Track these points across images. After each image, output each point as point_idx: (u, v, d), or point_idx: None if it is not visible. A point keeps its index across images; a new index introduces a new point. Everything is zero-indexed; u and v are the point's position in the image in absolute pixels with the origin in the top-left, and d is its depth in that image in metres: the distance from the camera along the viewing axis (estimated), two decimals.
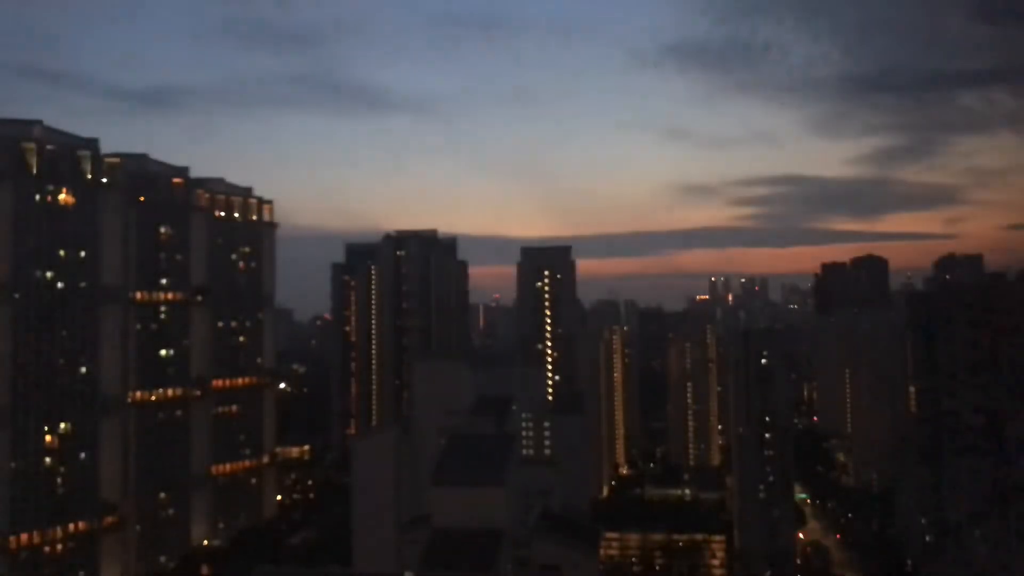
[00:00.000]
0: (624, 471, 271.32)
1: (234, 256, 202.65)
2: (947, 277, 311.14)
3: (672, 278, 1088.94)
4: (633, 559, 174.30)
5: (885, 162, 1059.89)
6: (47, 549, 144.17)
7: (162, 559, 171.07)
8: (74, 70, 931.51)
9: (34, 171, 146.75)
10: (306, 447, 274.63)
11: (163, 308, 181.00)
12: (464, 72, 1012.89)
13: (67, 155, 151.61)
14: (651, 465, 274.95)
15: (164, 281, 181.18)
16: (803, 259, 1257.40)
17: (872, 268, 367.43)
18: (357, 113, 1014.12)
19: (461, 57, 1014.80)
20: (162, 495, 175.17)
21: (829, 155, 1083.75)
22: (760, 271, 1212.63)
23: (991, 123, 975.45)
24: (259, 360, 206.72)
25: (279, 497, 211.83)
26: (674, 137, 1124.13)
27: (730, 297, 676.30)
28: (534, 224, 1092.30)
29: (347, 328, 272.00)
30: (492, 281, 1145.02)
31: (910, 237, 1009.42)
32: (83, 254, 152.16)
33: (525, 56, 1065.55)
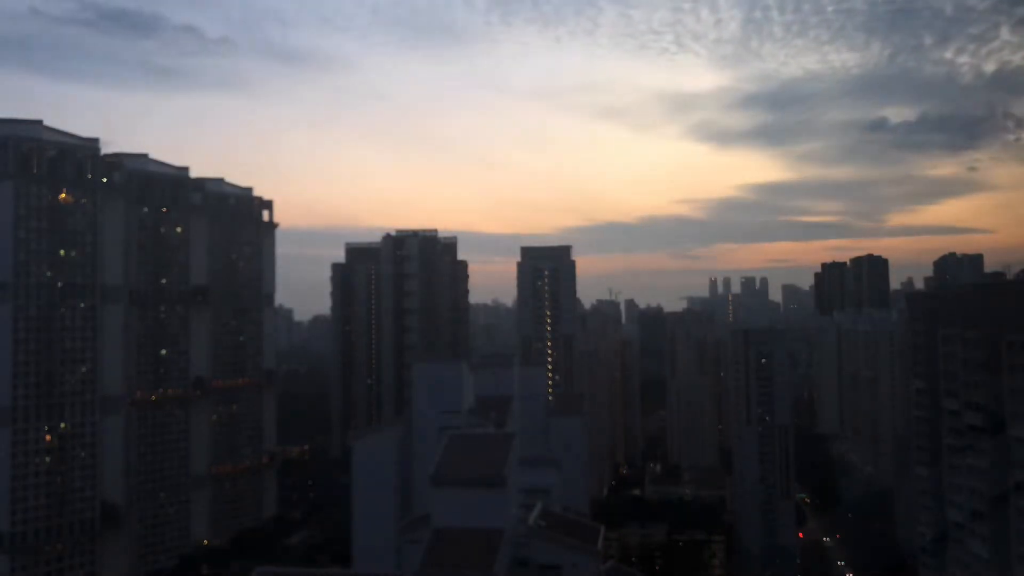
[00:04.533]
0: (624, 471, 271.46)
1: (234, 256, 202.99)
2: (947, 277, 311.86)
3: (673, 274, 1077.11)
4: (633, 559, 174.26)
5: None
6: (47, 548, 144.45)
7: (162, 559, 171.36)
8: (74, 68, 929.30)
9: (35, 171, 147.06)
10: (306, 447, 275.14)
11: (163, 308, 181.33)
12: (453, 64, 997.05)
13: (68, 155, 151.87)
14: (651, 465, 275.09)
15: (164, 281, 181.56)
16: (815, 253, 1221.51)
17: (872, 268, 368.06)
18: (356, 108, 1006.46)
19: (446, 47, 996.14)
20: (162, 495, 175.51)
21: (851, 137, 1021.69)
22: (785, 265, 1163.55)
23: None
24: (259, 360, 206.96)
25: (279, 497, 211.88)
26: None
27: (730, 296, 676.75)
28: (532, 220, 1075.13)
29: (347, 328, 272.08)
30: (483, 279, 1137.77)
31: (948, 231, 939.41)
32: (83, 254, 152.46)
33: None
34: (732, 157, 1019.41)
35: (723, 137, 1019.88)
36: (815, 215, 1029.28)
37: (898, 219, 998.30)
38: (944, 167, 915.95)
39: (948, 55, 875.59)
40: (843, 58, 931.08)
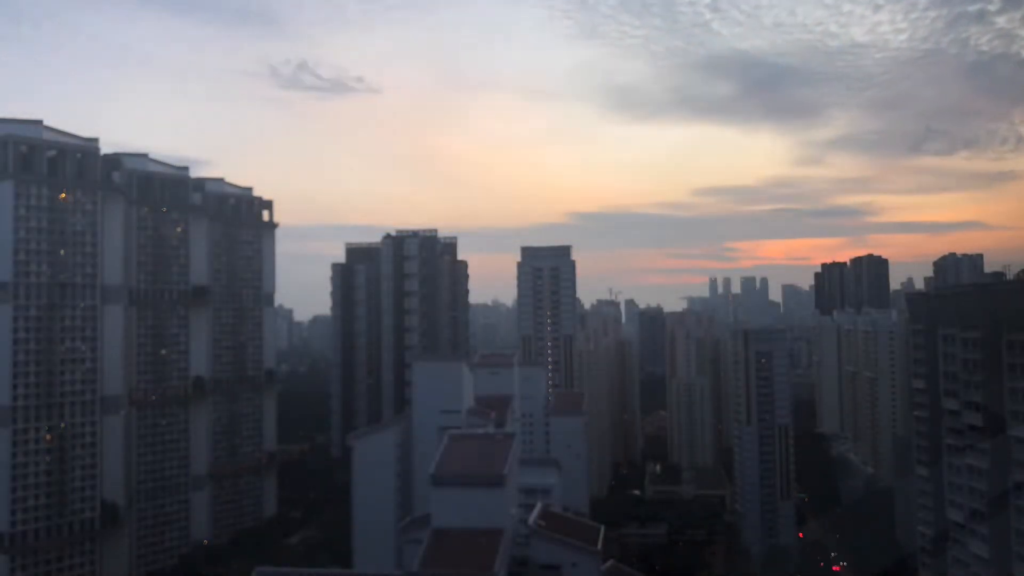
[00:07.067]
0: (624, 471, 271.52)
1: (234, 256, 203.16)
2: (947, 277, 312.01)
3: (674, 271, 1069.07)
4: (633, 559, 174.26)
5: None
6: (47, 548, 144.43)
7: (162, 559, 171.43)
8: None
9: (35, 171, 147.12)
10: (306, 447, 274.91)
11: (163, 308, 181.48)
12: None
13: (68, 155, 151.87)
14: (651, 465, 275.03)
15: (164, 281, 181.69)
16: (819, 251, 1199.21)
17: (872, 268, 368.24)
18: (355, 103, 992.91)
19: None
20: (162, 495, 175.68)
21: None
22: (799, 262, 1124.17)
23: None
24: (259, 360, 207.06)
25: (279, 497, 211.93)
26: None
27: (730, 296, 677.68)
28: (533, 216, 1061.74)
29: (347, 328, 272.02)
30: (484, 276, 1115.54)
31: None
32: (83, 254, 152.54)
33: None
34: (750, 143, 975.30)
35: (746, 121, 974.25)
36: (823, 211, 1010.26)
37: (904, 216, 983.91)
38: (977, 161, 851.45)
39: (1011, 24, 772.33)
40: (897, 27, 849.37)
